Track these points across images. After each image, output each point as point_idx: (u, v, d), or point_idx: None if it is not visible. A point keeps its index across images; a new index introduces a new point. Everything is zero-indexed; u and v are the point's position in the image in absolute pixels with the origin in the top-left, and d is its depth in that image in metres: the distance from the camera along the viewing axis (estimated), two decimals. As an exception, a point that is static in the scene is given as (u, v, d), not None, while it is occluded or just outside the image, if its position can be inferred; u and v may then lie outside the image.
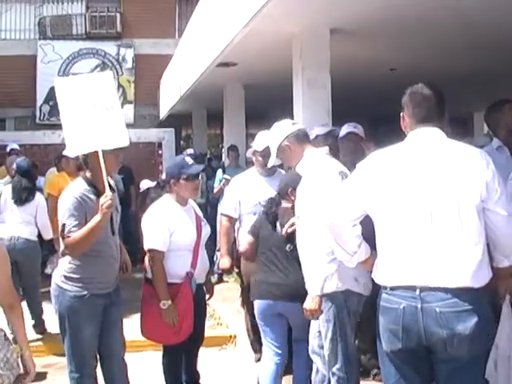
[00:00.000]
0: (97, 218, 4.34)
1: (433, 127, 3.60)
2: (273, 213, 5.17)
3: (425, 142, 3.58)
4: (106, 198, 4.32)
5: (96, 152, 4.44)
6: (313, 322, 4.60)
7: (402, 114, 3.76)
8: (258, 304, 5.12)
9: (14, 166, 8.19)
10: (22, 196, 7.67)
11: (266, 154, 5.82)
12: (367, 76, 11.15)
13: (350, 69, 9.81)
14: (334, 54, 7.36)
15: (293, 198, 4.81)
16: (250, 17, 6.78)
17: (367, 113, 16.48)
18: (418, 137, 3.62)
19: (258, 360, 6.14)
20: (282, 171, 6.38)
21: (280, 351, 5.11)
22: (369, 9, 6.69)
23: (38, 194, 7.94)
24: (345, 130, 6.43)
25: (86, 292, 4.53)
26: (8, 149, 12.22)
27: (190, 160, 5.36)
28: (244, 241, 5.54)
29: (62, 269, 4.63)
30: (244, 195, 6.28)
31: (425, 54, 9.39)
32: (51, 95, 22.28)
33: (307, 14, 6.89)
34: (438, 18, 7.14)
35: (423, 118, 3.64)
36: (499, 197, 3.41)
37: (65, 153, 4.87)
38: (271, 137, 4.92)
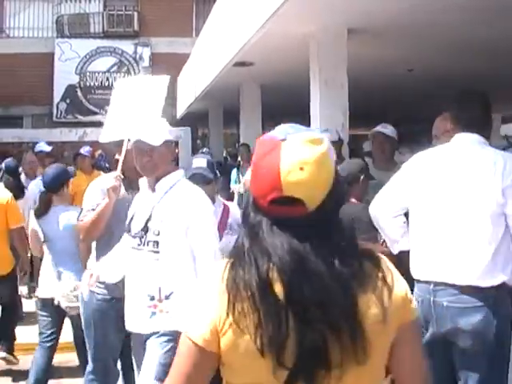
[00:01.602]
0: (104, 201, 4.31)
1: (474, 133, 3.76)
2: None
3: (462, 147, 3.76)
4: (112, 179, 4.30)
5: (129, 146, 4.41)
6: None
7: (443, 115, 4.11)
8: None
9: (3, 165, 8.43)
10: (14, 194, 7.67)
11: None
12: (384, 76, 11.11)
13: (367, 69, 9.77)
14: (351, 54, 7.34)
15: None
16: (268, 17, 6.77)
17: (385, 113, 16.44)
18: (458, 141, 3.80)
19: None
20: None
21: None
22: (386, 9, 6.66)
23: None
24: (374, 129, 6.46)
25: (111, 296, 4.49)
26: (38, 148, 12.09)
27: (196, 162, 4.92)
28: None
29: None
30: None
31: (443, 55, 9.34)
32: (68, 93, 22.46)
33: (324, 14, 6.87)
34: (457, 18, 7.10)
35: (467, 125, 3.81)
36: None
37: (99, 139, 4.69)
38: None
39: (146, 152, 3.77)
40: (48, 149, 11.75)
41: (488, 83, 11.63)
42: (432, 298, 3.66)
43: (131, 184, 4.38)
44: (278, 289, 1.66)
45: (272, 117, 14.63)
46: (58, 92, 22.42)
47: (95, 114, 21.30)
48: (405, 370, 1.82)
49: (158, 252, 3.77)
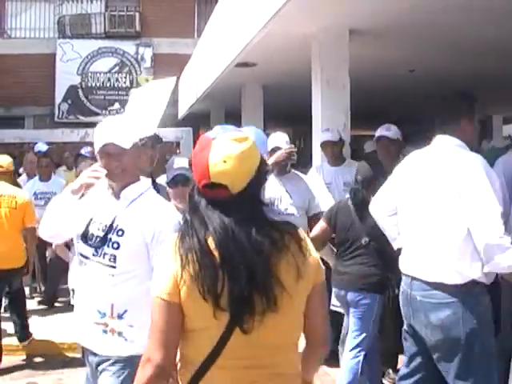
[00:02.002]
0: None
1: (447, 135, 3.99)
2: (358, 203, 5.25)
3: (433, 150, 4.03)
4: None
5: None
6: None
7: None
8: (333, 292, 5.35)
9: None
10: None
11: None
12: (386, 77, 11.12)
13: (369, 70, 9.78)
14: (353, 54, 7.35)
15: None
16: (269, 17, 6.77)
17: (386, 114, 16.45)
18: (433, 144, 4.08)
19: None
20: (298, 172, 6.45)
21: (359, 340, 5.18)
22: (387, 9, 6.67)
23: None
24: (377, 133, 6.47)
25: None
26: (36, 149, 12.09)
27: (178, 162, 4.82)
28: (317, 226, 5.59)
29: None
30: None
31: (444, 56, 9.35)
32: (70, 94, 22.47)
33: (326, 15, 6.88)
34: (458, 19, 7.11)
35: (440, 128, 4.08)
36: (473, 203, 3.69)
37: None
38: None
39: (115, 156, 3.40)
40: (44, 148, 11.82)
41: (489, 84, 11.65)
42: (409, 292, 3.95)
43: None
44: (214, 251, 2.21)
45: (274, 117, 14.66)
46: (60, 93, 22.42)
47: (97, 114, 21.31)
48: (317, 317, 2.42)
49: (114, 267, 3.39)
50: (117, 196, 3.52)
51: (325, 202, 6.32)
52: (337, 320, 6.24)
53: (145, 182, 3.68)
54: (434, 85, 10.73)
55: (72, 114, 22.41)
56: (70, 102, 22.42)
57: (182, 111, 18.49)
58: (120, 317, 3.35)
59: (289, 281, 2.22)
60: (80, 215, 3.57)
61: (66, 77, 22.32)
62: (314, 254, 2.33)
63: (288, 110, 15.40)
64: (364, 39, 7.67)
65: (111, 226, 3.44)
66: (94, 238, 3.47)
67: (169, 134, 15.23)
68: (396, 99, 14.04)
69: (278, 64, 9.90)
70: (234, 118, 15.21)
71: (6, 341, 6.88)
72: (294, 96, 11.75)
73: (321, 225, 5.52)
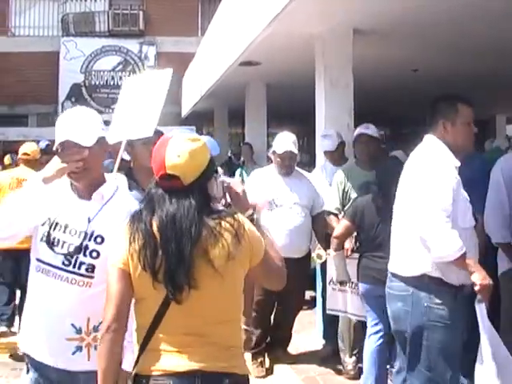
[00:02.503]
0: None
1: (430, 135, 4.18)
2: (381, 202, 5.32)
3: (416, 149, 4.22)
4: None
5: (134, 144, 4.32)
6: None
7: None
8: (361, 286, 5.48)
9: None
10: None
11: (285, 156, 6.29)
12: (390, 77, 11.12)
13: (373, 69, 9.78)
14: (357, 54, 7.35)
15: None
16: (273, 16, 6.78)
17: (390, 113, 16.45)
18: (421, 144, 4.25)
19: None
20: (302, 171, 6.49)
21: (379, 327, 5.30)
22: (392, 9, 6.67)
23: None
24: (357, 131, 6.50)
25: None
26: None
27: None
28: (341, 225, 5.67)
29: None
30: (260, 190, 6.24)
31: (447, 56, 9.34)
32: (73, 92, 22.49)
33: (330, 14, 6.88)
34: (462, 18, 7.11)
35: (427, 128, 4.25)
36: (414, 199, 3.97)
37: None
38: None
39: (75, 154, 3.07)
40: (43, 145, 11.86)
41: (493, 84, 11.66)
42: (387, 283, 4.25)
43: (140, 186, 4.01)
44: (156, 233, 2.65)
45: (277, 116, 14.65)
46: (63, 91, 22.46)
47: (100, 112, 21.03)
48: (272, 271, 2.89)
49: (92, 277, 3.09)
50: (83, 197, 3.19)
51: (329, 200, 6.33)
52: (334, 318, 6.31)
53: (115, 179, 3.41)
54: (437, 85, 10.72)
55: (75, 112, 22.44)
56: (73, 100, 22.43)
57: (186, 110, 18.49)
58: (96, 329, 3.02)
59: (220, 262, 2.63)
60: (41, 211, 3.17)
61: (69, 75, 22.36)
62: (249, 240, 2.73)
63: (291, 109, 15.39)
64: (368, 39, 7.67)
65: (86, 232, 3.11)
66: (62, 245, 3.11)
67: (172, 132, 15.29)
68: (399, 99, 14.03)
69: (282, 63, 9.90)
70: (237, 116, 15.25)
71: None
72: (297, 95, 11.75)
73: (344, 223, 5.60)
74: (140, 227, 2.69)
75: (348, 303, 5.91)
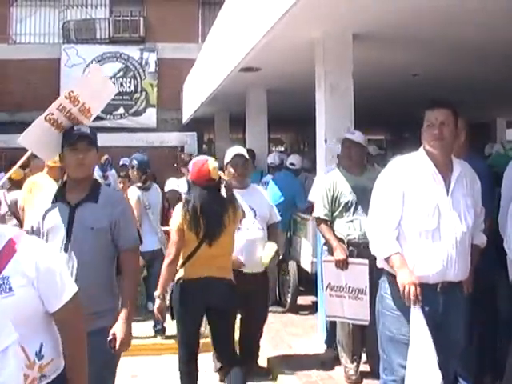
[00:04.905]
0: None
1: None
2: None
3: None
4: None
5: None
6: None
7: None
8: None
9: None
10: None
11: (237, 161, 6.24)
12: (390, 81, 11.15)
13: (373, 74, 9.81)
14: (357, 59, 7.38)
15: None
16: (274, 22, 6.81)
17: (390, 118, 16.46)
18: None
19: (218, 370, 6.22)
20: (255, 185, 6.77)
21: None
22: (392, 14, 6.70)
23: None
24: (343, 136, 6.55)
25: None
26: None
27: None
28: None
29: None
30: None
31: (447, 60, 9.37)
32: (74, 99, 22.49)
33: (330, 20, 6.91)
34: (462, 23, 7.13)
35: None
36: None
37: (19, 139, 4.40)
38: None
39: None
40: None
41: (493, 87, 11.68)
42: None
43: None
44: (198, 211, 5.16)
45: (278, 121, 14.68)
46: (65, 97, 22.47)
47: (102, 119, 21.32)
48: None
49: None
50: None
51: (318, 207, 6.34)
52: (332, 324, 6.32)
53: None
54: (437, 89, 10.76)
55: (77, 119, 22.47)
56: (74, 106, 22.44)
57: (187, 116, 18.53)
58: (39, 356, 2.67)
59: (227, 225, 5.26)
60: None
61: (70, 82, 22.35)
62: (236, 218, 5.42)
63: (292, 114, 15.42)
64: (368, 44, 7.69)
65: None
66: None
67: (173, 138, 15.28)
68: (399, 103, 14.06)
69: (282, 68, 9.94)
70: (238, 122, 15.26)
71: None
72: (297, 100, 11.78)
73: None
74: (188, 207, 5.18)
75: (345, 308, 5.93)
